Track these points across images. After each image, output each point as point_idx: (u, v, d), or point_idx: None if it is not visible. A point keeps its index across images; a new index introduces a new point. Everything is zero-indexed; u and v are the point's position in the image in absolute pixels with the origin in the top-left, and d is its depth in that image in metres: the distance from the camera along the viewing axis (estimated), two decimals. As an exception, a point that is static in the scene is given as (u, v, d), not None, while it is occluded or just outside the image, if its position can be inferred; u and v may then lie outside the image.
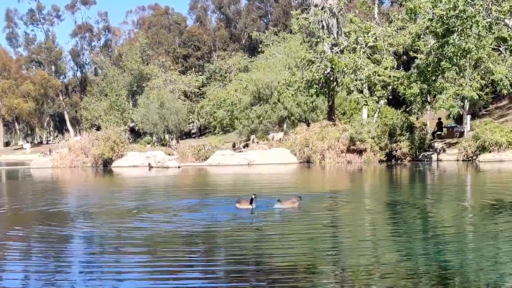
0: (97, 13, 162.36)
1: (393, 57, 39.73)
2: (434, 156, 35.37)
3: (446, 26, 27.66)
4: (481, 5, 27.61)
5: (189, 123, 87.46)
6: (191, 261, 8.19)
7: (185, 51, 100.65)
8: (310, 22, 42.65)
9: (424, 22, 29.87)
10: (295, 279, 6.86)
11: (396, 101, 47.78)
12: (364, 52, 38.82)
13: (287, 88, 46.47)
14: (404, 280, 6.69)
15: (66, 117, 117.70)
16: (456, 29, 27.49)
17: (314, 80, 41.56)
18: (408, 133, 36.79)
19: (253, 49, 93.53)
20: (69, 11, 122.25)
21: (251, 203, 13.10)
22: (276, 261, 7.90)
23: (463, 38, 27.85)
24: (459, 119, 43.10)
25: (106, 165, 40.98)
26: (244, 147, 51.83)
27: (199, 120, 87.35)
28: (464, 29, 27.07)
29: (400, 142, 36.55)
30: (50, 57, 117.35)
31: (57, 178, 32.83)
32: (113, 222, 12.05)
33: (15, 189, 24.63)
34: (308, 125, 44.29)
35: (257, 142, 50.41)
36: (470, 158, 33.51)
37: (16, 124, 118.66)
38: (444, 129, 42.60)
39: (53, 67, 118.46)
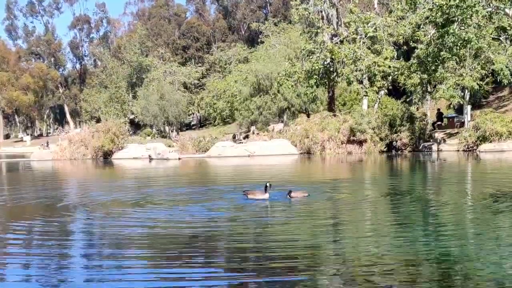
0: (95, 4, 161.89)
1: (393, 47, 39.66)
2: (435, 147, 35.39)
3: (446, 15, 27.52)
4: (481, -6, 27.47)
5: (189, 115, 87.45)
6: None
7: (184, 43, 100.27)
8: (309, 12, 42.54)
9: (424, 12, 29.73)
10: (296, 268, 6.87)
11: (396, 91, 47.72)
12: (364, 43, 38.74)
13: (287, 79, 46.42)
14: (404, 268, 6.71)
15: (66, 109, 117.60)
16: (456, 18, 27.36)
17: (314, 71, 41.51)
18: (409, 123, 36.80)
19: (252, 40, 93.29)
20: (68, 3, 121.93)
21: (265, 191, 12.69)
22: (276, 250, 7.92)
23: (463, 27, 27.73)
24: (459, 109, 43.05)
25: (106, 157, 40.97)
26: (244, 138, 51.88)
27: (199, 112, 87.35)
28: (464, 18, 26.93)
29: (400, 132, 36.57)
30: (50, 49, 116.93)
31: (57, 170, 32.84)
32: (116, 213, 12.05)
33: (15, 182, 24.64)
34: (308, 116, 44.30)
35: (257, 133, 50.44)
36: (470, 148, 33.54)
37: (16, 116, 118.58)
38: (445, 119, 42.58)
39: (52, 59, 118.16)
